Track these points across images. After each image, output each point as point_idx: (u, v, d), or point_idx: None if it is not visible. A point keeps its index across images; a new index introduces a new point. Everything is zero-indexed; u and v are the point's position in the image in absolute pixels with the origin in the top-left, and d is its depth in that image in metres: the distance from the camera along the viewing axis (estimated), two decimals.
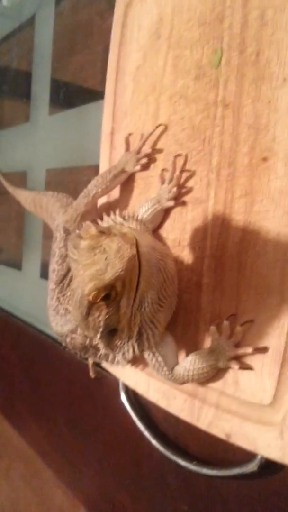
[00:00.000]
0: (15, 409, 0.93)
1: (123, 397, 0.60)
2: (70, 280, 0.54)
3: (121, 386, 0.61)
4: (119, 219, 0.43)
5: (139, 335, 0.40)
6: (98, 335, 0.37)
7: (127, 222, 0.42)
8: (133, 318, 0.38)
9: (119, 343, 0.40)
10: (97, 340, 0.39)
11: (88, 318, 0.36)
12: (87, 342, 0.45)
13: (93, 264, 0.35)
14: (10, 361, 0.95)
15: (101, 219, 0.61)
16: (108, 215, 0.45)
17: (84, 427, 0.69)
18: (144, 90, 0.56)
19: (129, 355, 0.42)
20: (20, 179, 0.94)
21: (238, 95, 0.44)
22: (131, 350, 0.40)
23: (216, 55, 0.46)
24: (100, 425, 0.66)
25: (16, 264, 0.96)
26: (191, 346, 0.48)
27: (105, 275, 0.34)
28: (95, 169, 0.66)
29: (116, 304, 0.36)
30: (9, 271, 0.99)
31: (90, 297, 0.35)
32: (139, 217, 0.47)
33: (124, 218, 0.43)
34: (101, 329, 0.37)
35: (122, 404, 0.60)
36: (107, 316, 0.36)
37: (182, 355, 0.48)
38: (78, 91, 0.84)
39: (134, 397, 0.60)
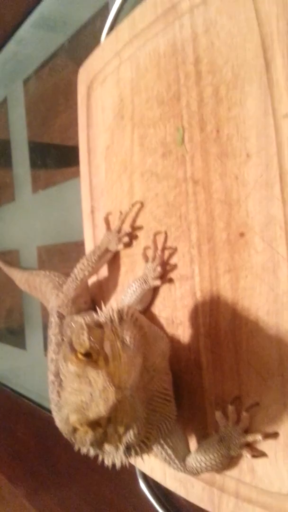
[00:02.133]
0: (38, 495, 0.89)
1: (142, 484, 0.57)
2: None
3: (138, 472, 0.58)
4: (116, 317, 0.41)
5: (127, 450, 0.38)
6: (85, 448, 0.36)
7: (122, 326, 0.40)
8: (120, 441, 0.37)
9: (109, 450, 0.38)
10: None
11: (75, 435, 0.35)
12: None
13: (78, 391, 0.34)
14: (26, 443, 0.92)
15: (94, 300, 0.61)
16: (104, 301, 0.44)
17: None
18: (116, 169, 0.56)
19: (121, 461, 0.40)
20: (13, 257, 0.94)
21: (205, 171, 0.43)
22: (120, 459, 0.39)
23: (178, 133, 0.46)
24: (121, 511, 0.63)
25: (20, 343, 0.95)
26: (201, 430, 0.46)
27: (88, 412, 0.33)
28: (83, 244, 0.65)
29: (102, 432, 0.35)
30: (14, 350, 0.98)
31: (74, 426, 0.35)
32: (130, 305, 0.46)
33: (121, 317, 0.41)
34: (87, 445, 0.36)
35: (141, 490, 0.57)
36: (92, 439, 0.35)
37: (192, 440, 0.46)
38: (59, 167, 0.85)
39: (153, 481, 0.57)
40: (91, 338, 0.37)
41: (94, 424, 0.34)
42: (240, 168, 0.40)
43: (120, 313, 0.41)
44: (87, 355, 0.35)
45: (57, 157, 0.87)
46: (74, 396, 0.34)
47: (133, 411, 0.36)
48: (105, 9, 0.66)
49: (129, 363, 0.36)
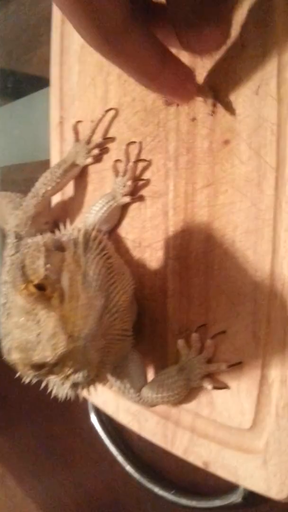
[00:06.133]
0: None
1: (93, 418, 0.54)
2: None
3: (90, 406, 0.55)
4: (81, 240, 0.35)
5: (74, 385, 0.34)
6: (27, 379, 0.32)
7: (86, 255, 0.34)
8: (67, 379, 0.32)
9: (54, 380, 0.34)
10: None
11: (17, 367, 0.30)
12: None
13: (24, 327, 0.29)
14: None
15: (56, 222, 0.55)
16: (69, 221, 0.39)
17: (56, 449, 0.63)
18: (91, 70, 0.49)
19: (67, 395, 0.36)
20: None
21: (192, 68, 0.37)
22: (65, 393, 0.35)
23: None
24: (72, 447, 0.61)
25: None
26: (160, 361, 0.42)
27: (33, 353, 0.28)
28: (49, 164, 0.59)
29: (47, 371, 0.30)
30: None
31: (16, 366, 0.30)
32: (95, 224, 0.41)
33: (87, 242, 0.35)
34: (30, 378, 0.31)
35: (93, 425, 0.54)
36: (35, 374, 0.30)
37: (150, 371, 0.43)
38: (30, 80, 0.77)
39: (105, 416, 0.54)
40: (48, 265, 0.31)
41: (38, 366, 0.29)
42: (231, 62, 0.34)
43: (86, 237, 0.36)
44: (40, 287, 0.30)
45: (30, 87, 0.78)
46: (19, 331, 0.29)
47: (85, 359, 0.31)
48: None
49: (87, 307, 0.30)
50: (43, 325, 0.29)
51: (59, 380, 0.33)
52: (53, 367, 0.30)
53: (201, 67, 0.36)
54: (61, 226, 0.39)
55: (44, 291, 0.30)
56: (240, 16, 0.33)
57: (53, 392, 0.35)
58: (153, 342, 0.42)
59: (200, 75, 0.36)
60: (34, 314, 0.29)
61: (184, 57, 0.33)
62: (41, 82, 0.73)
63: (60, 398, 0.36)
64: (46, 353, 0.28)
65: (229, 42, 0.34)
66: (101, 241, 0.36)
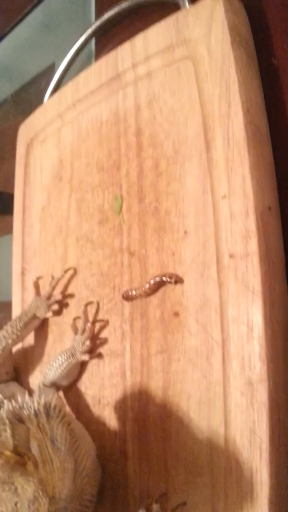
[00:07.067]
0: None
1: None
2: None
3: None
4: (42, 411, 0.36)
5: None
6: None
7: (49, 423, 0.34)
8: None
9: None
10: None
11: None
12: None
13: (0, 500, 0.29)
14: None
15: (17, 369, 0.56)
16: (28, 372, 0.39)
17: None
18: (51, 231, 0.53)
19: None
20: None
21: (142, 244, 0.41)
22: None
23: (116, 201, 0.44)
24: None
25: None
26: None
27: None
28: (10, 305, 0.61)
29: None
30: None
31: None
32: (55, 380, 0.42)
33: (47, 413, 0.36)
34: None
35: None
36: None
37: None
38: None
39: None
40: (16, 436, 0.31)
41: None
42: (177, 245, 0.38)
43: (46, 407, 0.36)
44: (13, 457, 0.30)
45: None
46: None
47: None
48: (52, 68, 0.65)
49: (62, 469, 0.31)
50: (22, 493, 0.28)
51: None
52: None
53: (152, 254, 0.40)
54: (18, 398, 0.39)
55: (17, 460, 0.30)
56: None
57: None
58: (115, 506, 0.42)
59: (153, 253, 0.40)
60: (10, 483, 0.29)
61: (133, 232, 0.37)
62: (4, 200, 0.77)
63: None
64: None
65: (174, 227, 0.38)
66: (60, 409, 0.37)
